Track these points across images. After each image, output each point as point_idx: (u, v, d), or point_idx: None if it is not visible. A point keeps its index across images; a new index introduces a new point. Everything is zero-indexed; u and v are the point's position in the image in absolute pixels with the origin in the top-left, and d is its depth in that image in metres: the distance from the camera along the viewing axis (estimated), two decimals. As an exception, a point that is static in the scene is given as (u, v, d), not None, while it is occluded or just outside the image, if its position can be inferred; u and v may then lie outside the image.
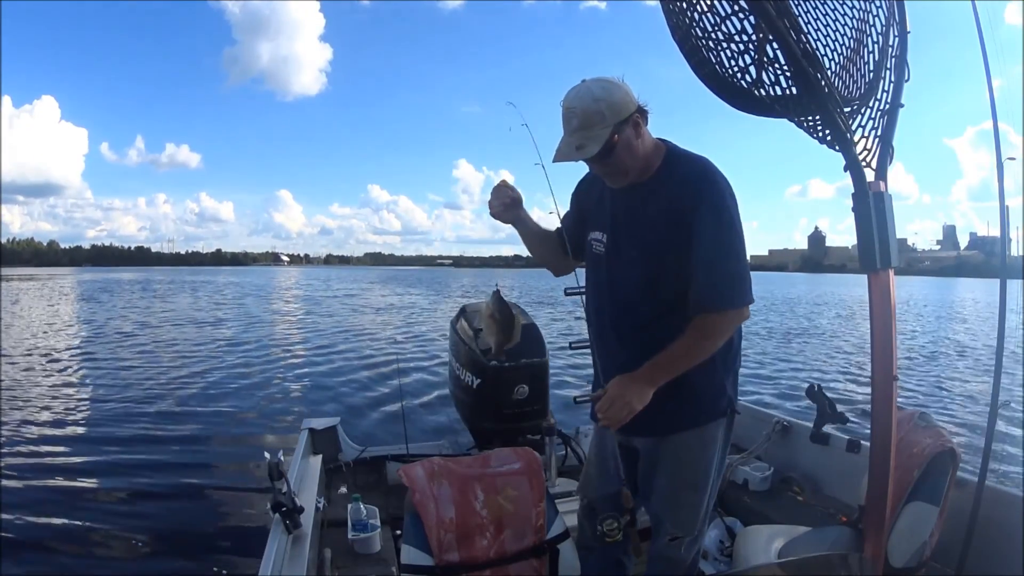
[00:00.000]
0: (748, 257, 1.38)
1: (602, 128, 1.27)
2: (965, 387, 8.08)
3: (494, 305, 1.52)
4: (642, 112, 1.33)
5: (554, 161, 1.34)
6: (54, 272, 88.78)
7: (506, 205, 1.50)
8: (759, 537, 1.77)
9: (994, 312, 1.55)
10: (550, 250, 1.60)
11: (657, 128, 1.40)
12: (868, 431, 1.12)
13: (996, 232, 1.56)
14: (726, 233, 1.28)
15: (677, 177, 1.34)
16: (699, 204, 1.28)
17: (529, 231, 1.58)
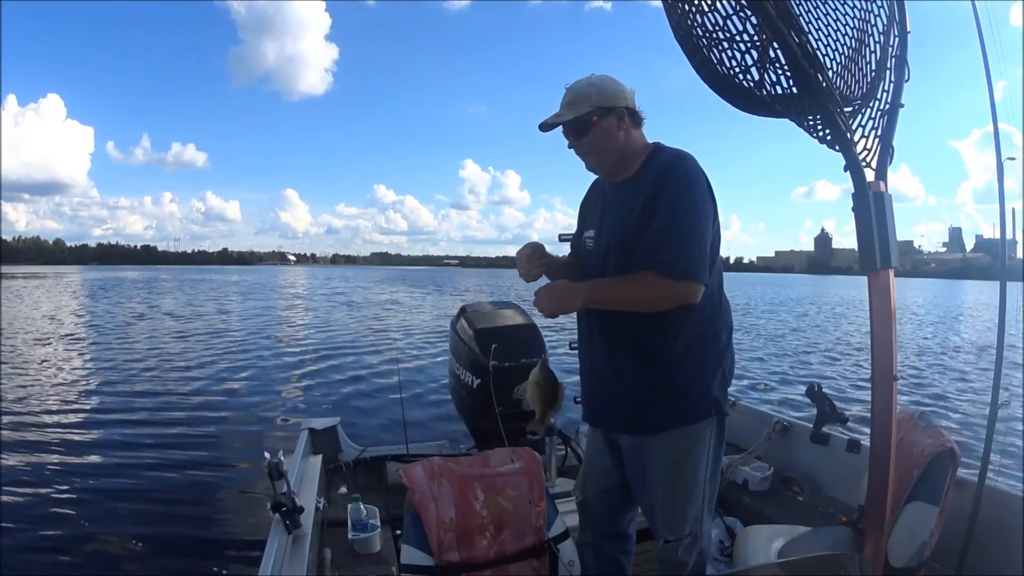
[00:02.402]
0: (711, 244, 1.38)
1: (584, 106, 1.39)
2: (965, 387, 8.08)
3: (541, 373, 1.52)
4: (632, 114, 1.42)
5: (539, 126, 1.43)
6: (60, 271, 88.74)
7: (541, 272, 1.50)
8: (759, 537, 1.77)
9: (996, 314, 1.55)
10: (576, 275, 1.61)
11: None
12: (868, 431, 1.12)
13: (1017, 232, 1.56)
14: (683, 210, 1.31)
15: (651, 168, 1.40)
16: (663, 183, 1.34)
17: (557, 273, 1.59)
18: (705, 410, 1.41)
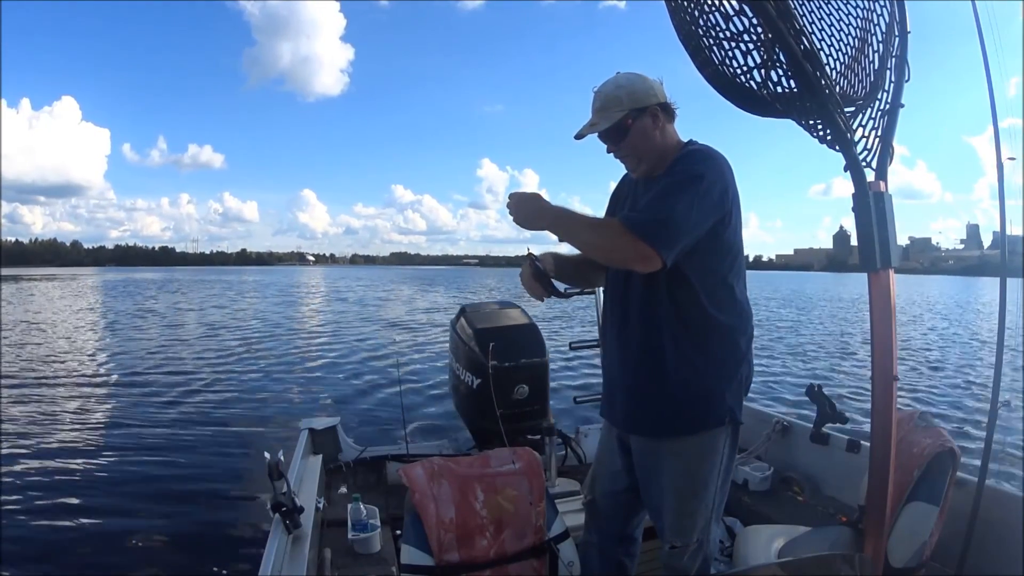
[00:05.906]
0: (745, 248, 1.41)
1: (617, 111, 1.37)
2: (966, 386, 8.08)
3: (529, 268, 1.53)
4: (665, 108, 1.40)
5: (574, 136, 1.42)
6: (77, 272, 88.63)
7: (545, 292, 1.51)
8: (759, 537, 1.77)
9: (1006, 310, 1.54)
10: (589, 270, 1.59)
11: (676, 123, 1.44)
12: (868, 431, 1.12)
13: (1018, 231, 1.56)
14: (672, 194, 1.27)
15: (676, 163, 1.38)
16: (670, 171, 1.33)
17: (569, 272, 1.58)
18: (718, 418, 1.38)
